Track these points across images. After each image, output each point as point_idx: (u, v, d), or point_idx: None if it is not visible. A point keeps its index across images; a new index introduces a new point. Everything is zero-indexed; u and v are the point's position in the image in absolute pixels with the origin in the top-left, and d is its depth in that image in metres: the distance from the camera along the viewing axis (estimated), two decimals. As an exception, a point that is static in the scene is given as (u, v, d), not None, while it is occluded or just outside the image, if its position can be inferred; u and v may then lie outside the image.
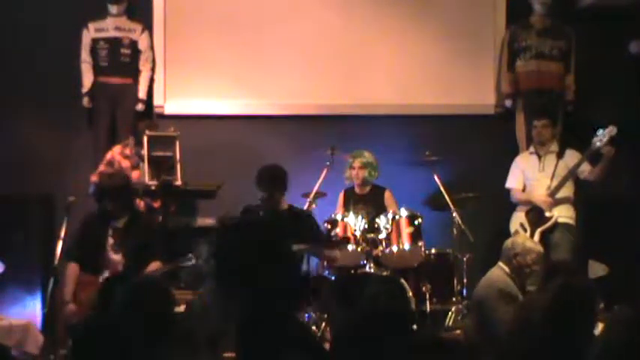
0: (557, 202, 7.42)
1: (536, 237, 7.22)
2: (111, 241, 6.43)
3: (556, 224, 7.37)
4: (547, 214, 7.38)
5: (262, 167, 6.74)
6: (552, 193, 7.40)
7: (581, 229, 7.58)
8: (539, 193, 7.47)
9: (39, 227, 7.81)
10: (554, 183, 7.40)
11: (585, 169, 7.44)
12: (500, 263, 5.94)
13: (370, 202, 7.60)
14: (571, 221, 7.47)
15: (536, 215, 7.43)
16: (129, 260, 6.35)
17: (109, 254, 6.40)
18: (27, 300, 7.60)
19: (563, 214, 7.43)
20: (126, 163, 7.68)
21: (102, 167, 7.69)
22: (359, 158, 7.62)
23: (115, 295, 3.44)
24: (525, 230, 7.38)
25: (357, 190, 7.71)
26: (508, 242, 5.99)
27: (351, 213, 7.33)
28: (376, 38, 8.53)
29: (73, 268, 6.39)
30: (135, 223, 6.54)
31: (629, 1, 8.24)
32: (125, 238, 6.43)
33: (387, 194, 7.66)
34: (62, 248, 6.50)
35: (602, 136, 7.22)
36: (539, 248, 6.09)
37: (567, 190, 7.49)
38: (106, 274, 6.29)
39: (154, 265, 6.38)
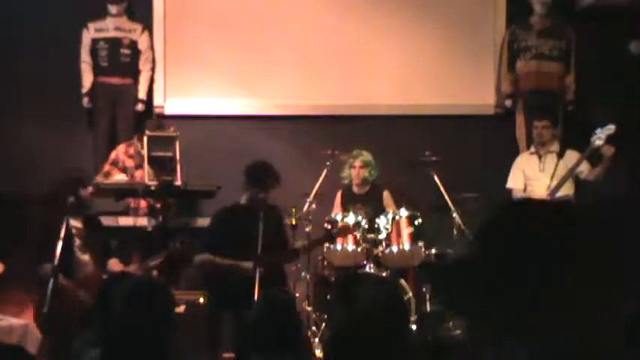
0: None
1: None
2: (77, 241, 6.42)
3: None
4: None
5: (254, 164, 6.71)
6: (552, 193, 7.40)
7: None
8: (539, 193, 7.47)
9: (39, 227, 7.79)
10: (554, 183, 7.41)
11: (584, 169, 7.45)
12: None
13: (369, 201, 7.59)
14: None
15: None
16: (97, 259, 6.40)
17: (78, 255, 6.39)
18: (27, 300, 7.58)
19: None
20: (130, 163, 7.67)
21: (106, 167, 7.70)
22: (360, 157, 7.62)
23: (114, 295, 3.44)
24: None
25: (355, 189, 7.69)
26: None
27: (351, 213, 7.32)
28: (376, 38, 8.53)
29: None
30: (92, 221, 6.55)
31: (629, 1, 8.24)
32: (87, 237, 6.43)
33: (386, 194, 7.65)
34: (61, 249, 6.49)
35: (600, 135, 7.23)
36: None
37: (568, 190, 7.50)
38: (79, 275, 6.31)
39: (114, 263, 6.46)
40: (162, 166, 7.19)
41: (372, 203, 7.55)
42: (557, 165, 7.47)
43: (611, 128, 7.20)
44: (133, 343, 3.16)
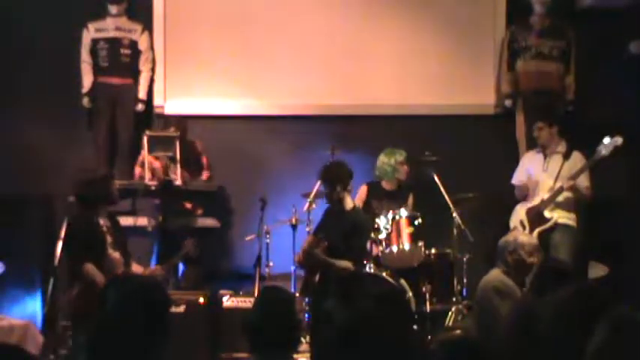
0: (557, 204, 7.40)
1: (534, 236, 7.21)
2: (109, 239, 6.40)
3: (556, 225, 7.37)
4: (547, 215, 7.38)
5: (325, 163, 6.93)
6: (548, 201, 7.36)
7: (581, 229, 7.58)
8: (540, 193, 7.45)
9: (39, 227, 7.80)
10: (558, 184, 7.37)
11: (583, 184, 7.39)
12: (499, 263, 5.93)
13: (397, 199, 7.59)
14: (571, 222, 7.46)
15: (536, 215, 7.42)
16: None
17: (110, 252, 6.36)
18: (27, 300, 7.59)
19: (563, 215, 7.42)
20: (157, 164, 7.64)
21: (136, 168, 7.71)
22: (402, 154, 7.63)
23: (111, 294, 3.43)
24: (524, 228, 7.38)
25: (385, 186, 7.69)
26: (501, 242, 5.92)
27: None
28: (376, 38, 8.53)
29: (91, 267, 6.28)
30: (113, 219, 6.53)
31: (629, 1, 8.25)
32: (114, 235, 6.42)
33: (412, 196, 7.68)
34: (62, 248, 6.48)
35: (607, 145, 7.20)
36: (533, 240, 6.05)
37: (572, 193, 7.45)
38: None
39: (135, 267, 6.48)
40: (192, 165, 7.23)
41: (400, 201, 7.56)
42: (561, 166, 7.42)
43: (617, 140, 7.17)
44: (119, 343, 3.15)
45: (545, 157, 7.59)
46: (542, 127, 7.57)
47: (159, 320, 3.25)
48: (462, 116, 8.46)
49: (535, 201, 7.46)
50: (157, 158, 7.60)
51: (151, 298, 3.30)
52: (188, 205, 7.54)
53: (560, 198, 7.39)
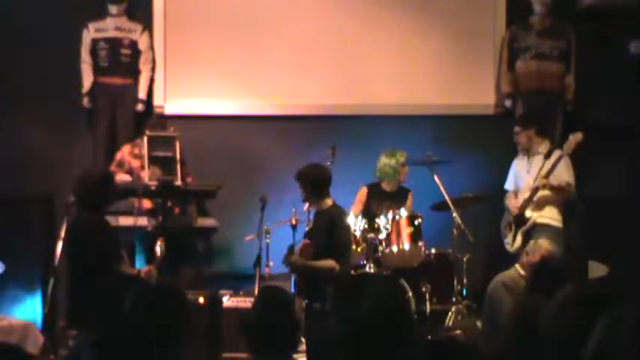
0: (536, 204, 7.33)
1: (519, 238, 7.22)
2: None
3: (536, 225, 7.29)
4: (527, 215, 7.33)
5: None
6: (522, 207, 7.33)
7: (580, 229, 7.58)
8: (514, 201, 7.44)
9: (39, 227, 7.80)
10: (536, 184, 7.32)
11: (563, 180, 7.33)
12: (517, 263, 6.05)
13: (397, 200, 7.60)
14: (552, 222, 7.31)
15: (518, 217, 7.40)
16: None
17: (122, 252, 6.34)
18: (27, 300, 7.60)
19: (543, 215, 7.34)
20: (136, 163, 7.64)
21: (112, 167, 7.68)
22: (404, 156, 7.63)
23: (127, 296, 3.43)
24: (510, 230, 7.39)
25: (385, 187, 7.70)
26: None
27: (351, 213, 7.33)
28: (376, 38, 8.53)
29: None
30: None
31: (629, 1, 8.25)
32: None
33: (411, 195, 7.69)
34: (62, 248, 6.47)
35: (569, 143, 7.17)
36: (550, 246, 6.12)
37: (549, 192, 7.39)
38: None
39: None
40: (165, 165, 7.20)
41: (400, 202, 7.57)
42: (542, 166, 7.37)
43: (578, 136, 7.14)
44: (132, 345, 3.16)
45: (529, 158, 7.55)
46: (519, 131, 7.51)
47: (173, 323, 3.26)
48: (462, 116, 8.46)
49: (518, 203, 7.43)
50: (135, 157, 7.59)
51: (168, 302, 3.31)
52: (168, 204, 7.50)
53: (536, 197, 7.34)
